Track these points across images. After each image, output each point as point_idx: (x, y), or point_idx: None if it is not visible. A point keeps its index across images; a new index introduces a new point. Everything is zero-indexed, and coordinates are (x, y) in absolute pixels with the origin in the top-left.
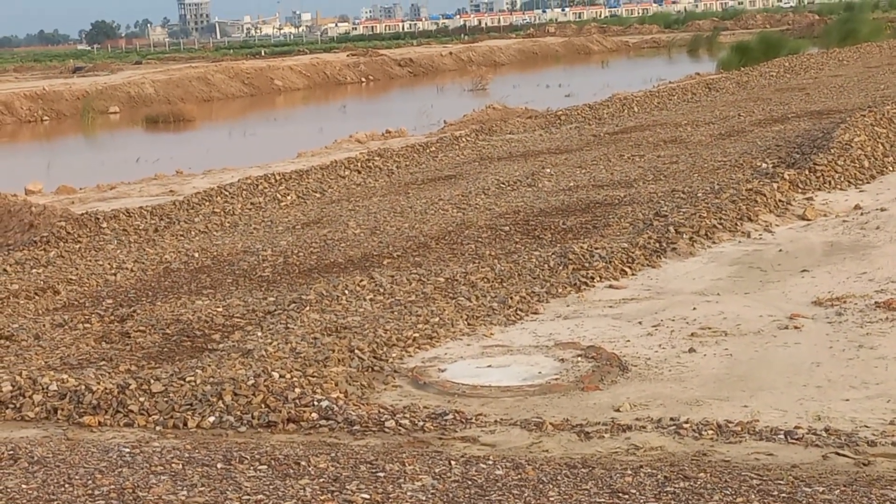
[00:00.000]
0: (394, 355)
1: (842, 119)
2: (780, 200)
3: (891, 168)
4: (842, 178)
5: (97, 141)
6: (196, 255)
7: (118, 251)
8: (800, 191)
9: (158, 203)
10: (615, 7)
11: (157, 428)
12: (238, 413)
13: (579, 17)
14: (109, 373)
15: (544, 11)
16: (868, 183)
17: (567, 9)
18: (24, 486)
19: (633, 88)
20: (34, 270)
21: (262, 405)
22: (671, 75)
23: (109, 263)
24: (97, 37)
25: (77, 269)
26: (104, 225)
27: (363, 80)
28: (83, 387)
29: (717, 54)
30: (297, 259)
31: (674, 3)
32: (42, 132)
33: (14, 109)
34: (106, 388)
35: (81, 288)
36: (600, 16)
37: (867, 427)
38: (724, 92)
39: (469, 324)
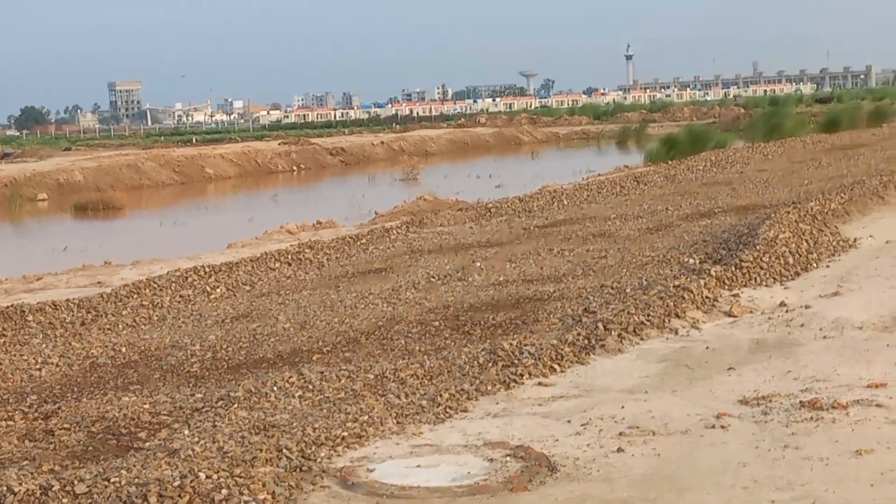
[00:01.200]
0: (322, 455)
1: (767, 215)
2: (706, 297)
3: (815, 265)
4: (767, 275)
5: (24, 229)
6: (123, 349)
7: (43, 345)
8: (726, 287)
9: (86, 295)
10: (545, 98)
11: None
12: None
13: (510, 107)
14: (32, 473)
15: (475, 101)
16: (793, 280)
17: (498, 99)
18: None
19: (563, 180)
20: None
21: None
22: (600, 167)
23: (34, 358)
24: (27, 122)
25: (0, 363)
26: (30, 318)
27: (295, 168)
28: (5, 488)
29: (645, 146)
30: (225, 354)
31: (602, 94)
32: None
33: None
34: (28, 490)
35: (5, 383)
36: (530, 107)
37: None
38: (652, 185)
39: (398, 422)
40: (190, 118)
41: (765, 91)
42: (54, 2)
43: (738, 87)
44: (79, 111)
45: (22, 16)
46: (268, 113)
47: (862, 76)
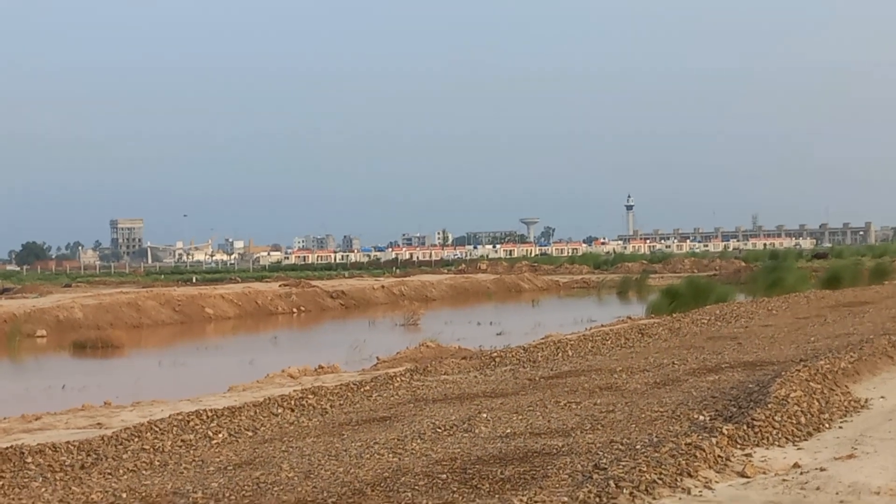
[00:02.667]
0: None
1: (776, 372)
2: (719, 456)
3: (827, 426)
4: (779, 435)
5: (23, 366)
6: (124, 495)
7: (42, 489)
8: (738, 446)
9: (86, 437)
10: (545, 246)
11: None
12: None
13: (510, 254)
14: None
15: (475, 247)
16: (805, 440)
17: (498, 246)
18: None
19: (565, 329)
20: None
21: None
22: (602, 317)
23: (33, 502)
24: (27, 257)
25: None
26: (29, 460)
27: (295, 310)
28: None
29: (647, 297)
30: (228, 503)
31: (603, 244)
32: None
33: None
34: None
35: None
36: (531, 254)
37: None
38: (656, 338)
39: None
40: (190, 257)
41: (764, 244)
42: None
43: (738, 240)
44: (80, 247)
45: (25, 150)
46: (268, 254)
47: (861, 232)
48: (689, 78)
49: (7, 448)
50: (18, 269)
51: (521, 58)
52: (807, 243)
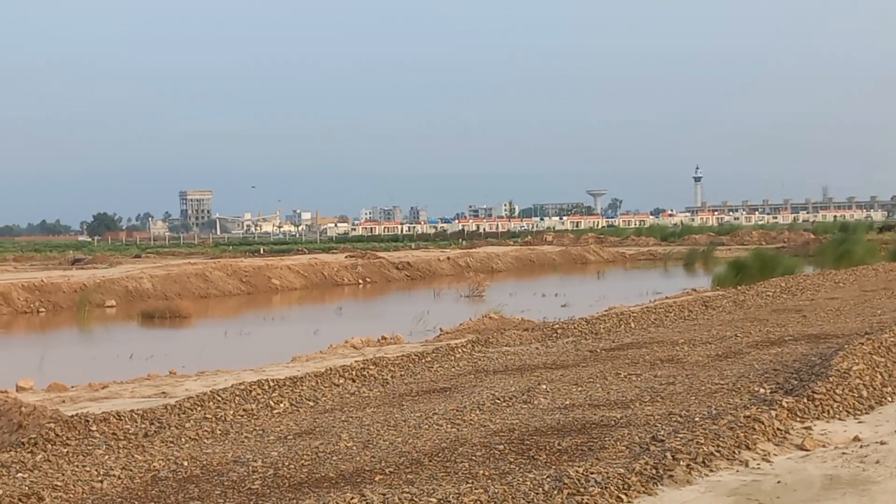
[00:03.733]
0: None
1: (840, 346)
2: (778, 429)
3: (889, 399)
4: (840, 408)
5: (92, 335)
6: (185, 463)
7: (106, 456)
8: (798, 419)
9: (149, 406)
10: (612, 218)
11: None
12: None
13: (577, 226)
14: None
15: (542, 219)
16: (867, 413)
17: (565, 217)
18: None
19: (629, 301)
20: (19, 475)
21: None
22: (667, 289)
23: (97, 470)
24: (98, 228)
25: (63, 474)
26: (94, 428)
27: (360, 281)
28: None
29: (713, 269)
30: (287, 472)
31: (670, 215)
32: (38, 324)
33: (11, 300)
34: None
35: (67, 495)
36: (597, 226)
37: None
38: (720, 310)
39: None
40: (258, 228)
41: (834, 217)
42: (131, 112)
43: (808, 212)
44: (150, 219)
45: (99, 125)
46: (335, 225)
47: None
48: (755, 57)
49: (73, 416)
50: (90, 239)
51: (589, 38)
52: (878, 215)
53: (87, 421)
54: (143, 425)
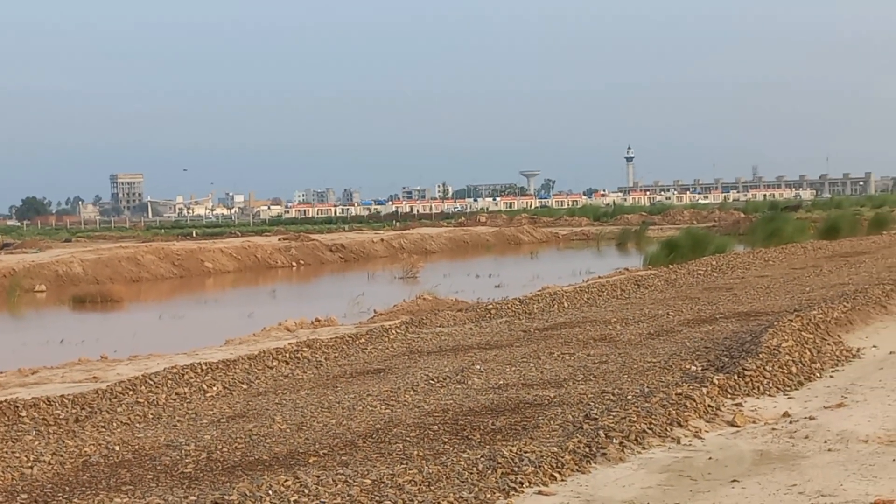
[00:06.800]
0: None
1: (769, 322)
2: (709, 405)
3: (818, 375)
4: (770, 384)
5: (22, 320)
6: (117, 448)
7: (36, 442)
8: (729, 396)
9: (80, 391)
10: (545, 198)
11: None
12: None
13: (510, 206)
14: None
15: (475, 200)
16: (796, 389)
17: (498, 198)
18: None
19: (563, 281)
20: None
21: None
22: (600, 269)
23: (27, 456)
24: (27, 213)
25: None
26: (23, 414)
27: (294, 264)
28: None
29: (646, 248)
30: (220, 455)
31: (603, 195)
32: None
33: None
34: None
35: None
36: (531, 206)
37: None
38: (652, 289)
39: None
40: (191, 211)
41: (764, 196)
42: (60, 94)
43: (738, 191)
44: (80, 202)
45: (26, 106)
46: (268, 208)
47: (861, 182)
48: (683, 23)
49: (2, 402)
50: (19, 224)
51: (514, 7)
52: (807, 194)
53: (17, 406)
54: (74, 410)
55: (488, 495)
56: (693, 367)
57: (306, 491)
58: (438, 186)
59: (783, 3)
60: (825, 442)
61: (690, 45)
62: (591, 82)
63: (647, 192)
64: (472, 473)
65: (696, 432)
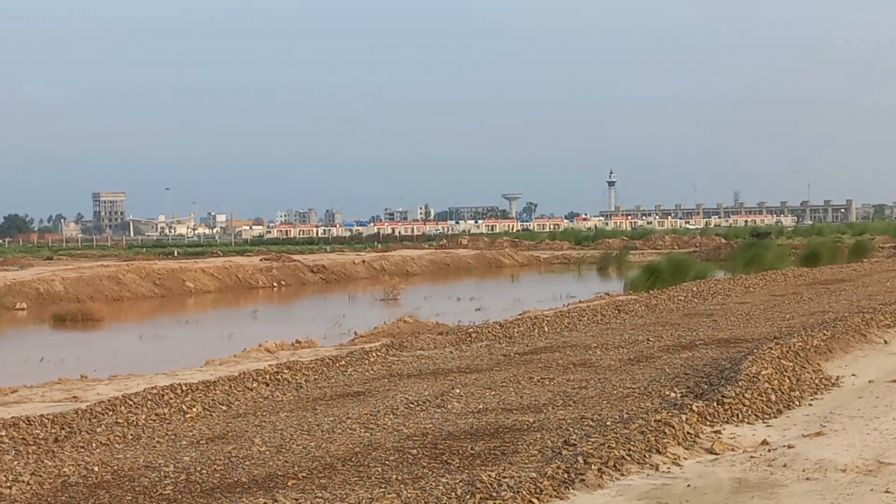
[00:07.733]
0: None
1: (749, 350)
2: (688, 433)
3: (797, 403)
4: (749, 412)
5: (1, 338)
6: (96, 468)
7: (15, 462)
8: (708, 423)
9: (60, 411)
10: (527, 221)
11: None
12: None
13: (492, 229)
14: None
15: (457, 223)
16: (775, 417)
17: (480, 221)
18: None
19: (544, 305)
20: None
21: None
22: (581, 293)
23: (5, 475)
24: (9, 230)
25: None
26: (2, 433)
27: (275, 284)
28: None
29: (626, 273)
30: (199, 477)
31: (584, 219)
32: None
33: None
34: None
35: None
36: (512, 229)
37: None
38: (633, 315)
39: None
40: (173, 230)
41: (746, 221)
42: (41, 111)
43: (720, 217)
44: (62, 220)
45: (7, 124)
46: (250, 228)
47: (842, 210)
48: (668, 41)
49: None
50: (0, 241)
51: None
52: (788, 220)
53: None
54: (54, 430)
55: None
56: (672, 394)
57: None
58: (420, 208)
59: (769, 18)
60: (803, 471)
61: (674, 66)
62: (574, 103)
63: (629, 217)
64: (450, 498)
65: (675, 459)
